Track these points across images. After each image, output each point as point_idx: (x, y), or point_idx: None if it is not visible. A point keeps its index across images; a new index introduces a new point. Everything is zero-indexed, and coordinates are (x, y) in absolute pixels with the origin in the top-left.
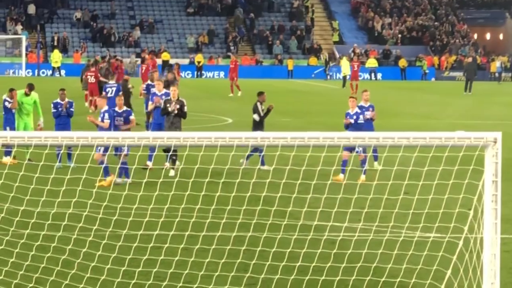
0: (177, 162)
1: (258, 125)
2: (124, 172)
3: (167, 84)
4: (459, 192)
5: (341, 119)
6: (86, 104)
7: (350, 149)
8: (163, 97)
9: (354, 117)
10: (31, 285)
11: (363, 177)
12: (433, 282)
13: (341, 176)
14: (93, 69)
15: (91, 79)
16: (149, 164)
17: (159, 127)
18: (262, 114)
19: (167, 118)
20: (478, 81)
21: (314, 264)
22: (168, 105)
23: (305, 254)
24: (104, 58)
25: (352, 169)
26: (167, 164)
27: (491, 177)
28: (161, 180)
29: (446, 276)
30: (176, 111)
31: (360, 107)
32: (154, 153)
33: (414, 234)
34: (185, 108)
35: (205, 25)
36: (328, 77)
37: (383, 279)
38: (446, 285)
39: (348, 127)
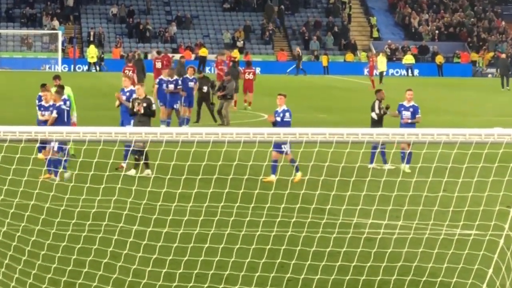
0: (148, 170)
1: (376, 123)
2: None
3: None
4: (499, 190)
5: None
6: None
7: (279, 149)
8: (127, 94)
9: (281, 114)
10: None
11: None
12: (474, 282)
13: (272, 176)
14: (130, 64)
15: (129, 74)
16: (123, 165)
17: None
18: (380, 112)
19: (135, 116)
20: None
21: (354, 263)
22: (135, 103)
23: (344, 253)
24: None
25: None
26: (123, 165)
27: None
28: (199, 177)
29: (488, 275)
30: (141, 111)
31: (400, 106)
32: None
33: (454, 232)
34: (153, 106)
35: (241, 20)
36: (300, 72)
37: (424, 278)
38: (488, 284)
39: (274, 124)
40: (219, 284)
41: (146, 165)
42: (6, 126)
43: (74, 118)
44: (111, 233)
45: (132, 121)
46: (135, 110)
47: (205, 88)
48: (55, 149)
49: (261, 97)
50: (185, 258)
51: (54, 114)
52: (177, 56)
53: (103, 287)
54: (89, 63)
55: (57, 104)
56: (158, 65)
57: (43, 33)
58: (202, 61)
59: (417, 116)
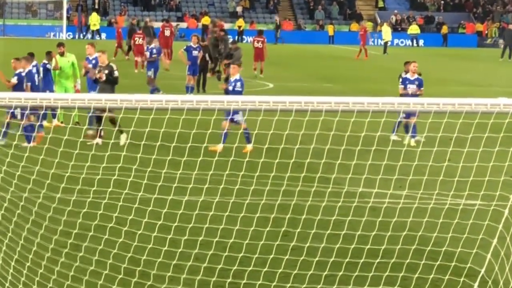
0: (124, 134)
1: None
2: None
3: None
4: (504, 160)
5: (382, 85)
6: (136, 70)
7: (232, 118)
8: (93, 61)
9: (233, 84)
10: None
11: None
12: (479, 251)
13: (220, 146)
14: (140, 31)
15: (139, 41)
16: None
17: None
18: None
19: (99, 84)
20: None
21: (359, 232)
22: (97, 71)
23: (349, 222)
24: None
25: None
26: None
27: None
28: (204, 145)
29: (492, 245)
30: (103, 78)
31: (405, 80)
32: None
33: (458, 202)
34: (116, 73)
35: None
36: (278, 41)
37: (428, 248)
38: (493, 253)
39: (226, 92)
40: (223, 252)
41: (120, 132)
42: (12, 93)
43: (78, 85)
44: (115, 200)
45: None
46: (97, 77)
47: (206, 56)
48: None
49: (266, 66)
50: (190, 225)
51: (14, 81)
52: (182, 25)
53: (108, 250)
54: (92, 31)
55: (17, 71)
56: (167, 32)
57: (48, 0)
58: (205, 30)
59: (421, 89)
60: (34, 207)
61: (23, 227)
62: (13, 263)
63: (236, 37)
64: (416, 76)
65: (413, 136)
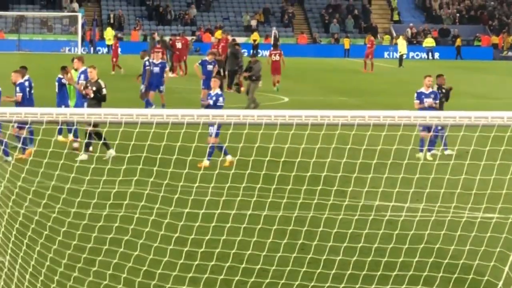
0: (111, 150)
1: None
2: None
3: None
4: None
5: (398, 98)
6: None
7: (215, 133)
8: (81, 75)
9: (214, 98)
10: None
11: (428, 155)
12: (496, 264)
13: (206, 161)
14: (159, 45)
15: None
16: (76, 145)
17: None
18: (445, 97)
19: (87, 101)
20: None
21: (376, 245)
22: (84, 87)
23: (366, 235)
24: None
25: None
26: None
27: None
28: (220, 158)
29: (510, 258)
30: (90, 94)
31: (419, 94)
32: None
33: (476, 215)
34: (104, 91)
35: (261, 3)
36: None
37: (446, 260)
38: (510, 267)
39: (208, 107)
40: (240, 264)
41: (106, 146)
42: (28, 108)
43: None
44: (132, 213)
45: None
46: (84, 93)
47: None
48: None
49: (282, 79)
50: (207, 237)
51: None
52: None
53: (123, 264)
54: (108, 46)
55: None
56: (179, 45)
57: (63, 15)
58: (217, 44)
59: (436, 101)
60: (48, 222)
61: (37, 242)
62: (27, 276)
63: (252, 51)
64: (430, 89)
65: (429, 150)
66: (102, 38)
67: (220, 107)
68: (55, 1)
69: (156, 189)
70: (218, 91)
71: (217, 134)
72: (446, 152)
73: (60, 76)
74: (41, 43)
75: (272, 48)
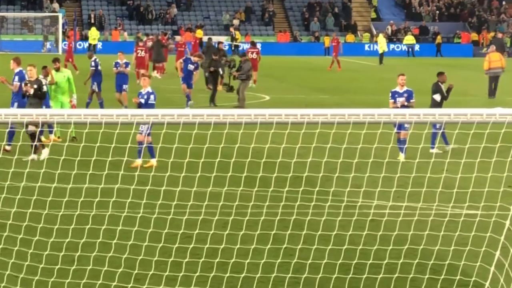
0: (45, 149)
1: (437, 106)
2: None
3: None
4: (502, 170)
5: (378, 96)
6: (138, 81)
7: (146, 132)
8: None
9: (145, 96)
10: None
11: (401, 155)
12: (482, 264)
13: (138, 160)
14: (141, 44)
15: (141, 53)
16: (8, 148)
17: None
18: (447, 94)
19: (27, 99)
20: None
21: (360, 246)
22: (24, 84)
23: (350, 237)
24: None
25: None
26: (7, 148)
27: None
28: (202, 160)
29: (495, 256)
30: (30, 92)
31: (393, 93)
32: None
33: (459, 212)
34: (44, 88)
35: (241, 2)
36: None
37: (431, 261)
38: (496, 265)
39: (139, 106)
40: (224, 274)
41: (36, 148)
42: (8, 109)
43: (74, 100)
44: (116, 218)
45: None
46: (23, 91)
47: (220, 70)
48: None
49: (262, 78)
50: (191, 246)
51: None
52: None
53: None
54: (90, 45)
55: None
56: (149, 44)
57: (43, 15)
58: (199, 43)
59: (411, 101)
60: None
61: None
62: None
63: (232, 49)
64: (405, 88)
65: (432, 147)
66: (83, 38)
67: (152, 105)
68: (35, 1)
69: (139, 194)
70: (149, 89)
71: (149, 134)
72: (447, 148)
73: (41, 76)
74: (21, 43)
75: (250, 46)
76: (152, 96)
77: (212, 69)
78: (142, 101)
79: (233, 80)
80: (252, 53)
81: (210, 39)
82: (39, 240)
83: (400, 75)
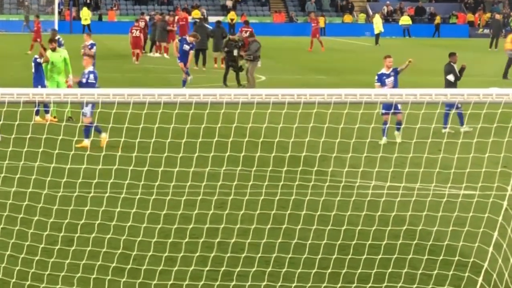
0: None
1: (452, 86)
2: None
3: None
4: (499, 151)
5: (375, 77)
6: (134, 61)
7: (90, 112)
8: None
9: (87, 76)
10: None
11: (396, 133)
12: (480, 245)
13: (85, 141)
14: (137, 24)
15: (136, 33)
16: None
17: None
18: (459, 75)
19: None
20: None
21: (359, 227)
22: None
23: (349, 217)
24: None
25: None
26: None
27: None
28: (199, 140)
29: (494, 237)
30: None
31: (380, 76)
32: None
33: (456, 193)
34: None
35: None
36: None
37: (430, 242)
38: (494, 246)
39: (79, 85)
40: (225, 254)
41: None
42: (4, 88)
43: (70, 80)
44: (114, 199)
45: None
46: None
47: (235, 52)
48: None
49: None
50: (190, 226)
51: None
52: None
53: (98, 250)
54: (83, 26)
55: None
56: (141, 24)
57: None
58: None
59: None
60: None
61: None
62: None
63: (229, 29)
64: (391, 69)
65: (461, 126)
66: (78, 18)
67: (91, 84)
68: None
69: (136, 176)
70: (90, 68)
71: (91, 113)
72: (462, 129)
73: (36, 56)
74: (18, 23)
75: (243, 25)
76: (91, 75)
77: (226, 49)
78: (84, 80)
79: (240, 60)
80: (246, 32)
81: (218, 22)
82: (39, 220)
83: (387, 57)
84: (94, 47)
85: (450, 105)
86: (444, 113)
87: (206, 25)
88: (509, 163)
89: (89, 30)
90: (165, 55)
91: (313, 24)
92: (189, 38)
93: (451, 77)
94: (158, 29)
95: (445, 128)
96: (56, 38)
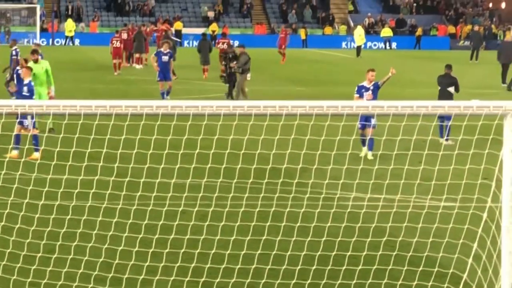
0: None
1: (450, 98)
2: None
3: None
4: (480, 162)
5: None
6: (115, 73)
7: (32, 123)
8: None
9: (23, 87)
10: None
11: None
12: (460, 256)
13: (14, 152)
14: (117, 35)
15: (116, 44)
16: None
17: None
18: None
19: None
20: (493, 50)
21: (339, 238)
22: None
23: (329, 229)
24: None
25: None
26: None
27: (510, 147)
28: (181, 151)
29: (473, 249)
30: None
31: (360, 88)
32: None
33: (437, 205)
34: None
35: None
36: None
37: (410, 253)
38: (474, 257)
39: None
40: (205, 264)
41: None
42: None
43: (52, 92)
44: (96, 209)
45: None
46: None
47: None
48: None
49: None
50: (171, 237)
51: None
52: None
53: (80, 258)
54: (66, 37)
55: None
56: (124, 35)
57: (21, 7)
58: (178, 35)
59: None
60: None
61: None
62: None
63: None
64: (372, 83)
65: (446, 139)
66: (61, 29)
67: (27, 96)
68: None
69: (118, 186)
70: (26, 81)
71: (33, 124)
72: (445, 143)
73: (18, 68)
74: (3, 34)
75: (220, 37)
76: (25, 88)
77: (224, 63)
78: (25, 91)
79: (231, 71)
80: (223, 43)
81: (204, 35)
82: (20, 228)
83: (370, 71)
84: (18, 54)
85: (442, 117)
86: (438, 125)
87: (172, 37)
88: (489, 175)
89: (72, 41)
90: (140, 66)
91: (281, 35)
92: (164, 48)
93: (452, 89)
94: (135, 41)
95: (447, 140)
96: (13, 48)
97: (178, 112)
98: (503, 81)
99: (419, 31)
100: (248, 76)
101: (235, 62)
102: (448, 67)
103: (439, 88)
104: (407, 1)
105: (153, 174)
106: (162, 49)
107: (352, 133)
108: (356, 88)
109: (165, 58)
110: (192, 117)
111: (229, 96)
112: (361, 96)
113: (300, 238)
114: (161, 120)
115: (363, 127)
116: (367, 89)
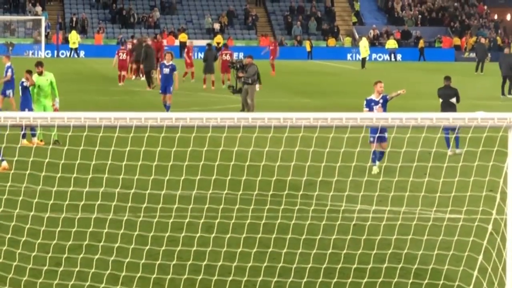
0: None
1: (454, 109)
2: None
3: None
4: (484, 174)
5: (361, 100)
6: (120, 84)
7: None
8: None
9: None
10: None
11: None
12: (465, 269)
13: (4, 164)
14: (123, 47)
15: (123, 56)
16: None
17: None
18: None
19: None
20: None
21: (344, 251)
22: None
23: (334, 241)
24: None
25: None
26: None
27: None
28: (186, 163)
29: (478, 261)
30: None
31: (369, 102)
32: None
33: (442, 217)
34: None
35: (224, 6)
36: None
37: (415, 266)
38: (479, 270)
39: None
40: (211, 277)
41: None
42: None
43: (56, 104)
44: (102, 221)
45: None
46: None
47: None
48: None
49: None
50: (177, 249)
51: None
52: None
53: (87, 271)
54: (71, 49)
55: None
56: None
57: (26, 19)
58: (182, 47)
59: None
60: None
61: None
62: None
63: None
64: (381, 96)
65: (456, 148)
66: (66, 41)
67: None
68: (18, 4)
69: (123, 198)
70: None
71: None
72: (458, 151)
73: (23, 80)
74: (4, 46)
75: (223, 48)
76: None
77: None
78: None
79: (238, 81)
80: (226, 54)
81: (209, 45)
82: (27, 240)
83: (378, 83)
84: (10, 71)
85: (447, 129)
86: (444, 137)
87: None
88: (494, 187)
89: (77, 53)
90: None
91: (270, 47)
92: (166, 60)
93: (454, 100)
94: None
95: (459, 149)
96: (8, 64)
97: (183, 124)
98: (502, 93)
99: (421, 43)
100: (257, 87)
101: (242, 72)
102: (447, 78)
103: (441, 100)
104: (412, 13)
105: (158, 186)
106: (164, 61)
107: (356, 145)
108: (365, 102)
109: (166, 71)
110: (196, 129)
111: (244, 108)
112: (370, 109)
113: (306, 251)
114: (165, 132)
115: (377, 141)
116: (376, 103)
